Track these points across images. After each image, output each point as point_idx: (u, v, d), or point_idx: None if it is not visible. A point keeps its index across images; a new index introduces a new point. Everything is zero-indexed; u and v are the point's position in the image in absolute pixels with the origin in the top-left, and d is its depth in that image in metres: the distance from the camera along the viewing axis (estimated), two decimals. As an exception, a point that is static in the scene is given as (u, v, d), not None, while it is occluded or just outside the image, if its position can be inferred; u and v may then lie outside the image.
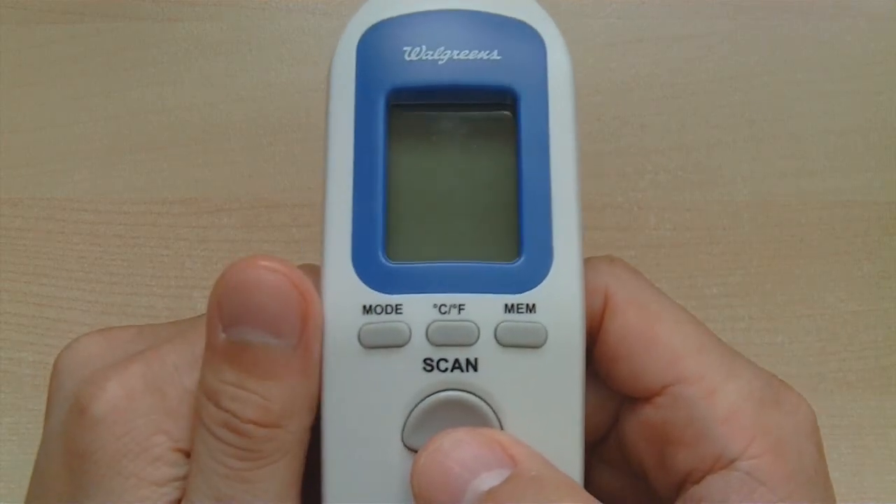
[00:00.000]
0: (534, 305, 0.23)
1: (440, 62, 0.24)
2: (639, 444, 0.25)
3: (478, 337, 0.23)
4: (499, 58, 0.24)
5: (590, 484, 0.25)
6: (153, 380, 0.24)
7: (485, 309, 0.23)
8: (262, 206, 0.42)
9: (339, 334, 0.23)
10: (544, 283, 0.23)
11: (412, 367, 0.23)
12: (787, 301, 0.41)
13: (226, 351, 0.22)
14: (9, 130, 0.43)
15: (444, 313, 0.23)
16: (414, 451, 0.23)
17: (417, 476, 0.22)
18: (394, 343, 0.23)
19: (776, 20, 0.43)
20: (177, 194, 0.42)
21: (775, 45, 0.43)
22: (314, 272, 0.24)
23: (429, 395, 0.23)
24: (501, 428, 0.23)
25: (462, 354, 0.23)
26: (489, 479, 0.22)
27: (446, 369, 0.23)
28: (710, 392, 0.24)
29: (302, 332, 0.22)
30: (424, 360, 0.23)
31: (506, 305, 0.23)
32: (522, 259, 0.24)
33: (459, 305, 0.23)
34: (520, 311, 0.23)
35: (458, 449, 0.22)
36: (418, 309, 0.23)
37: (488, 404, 0.23)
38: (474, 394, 0.23)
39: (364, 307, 0.23)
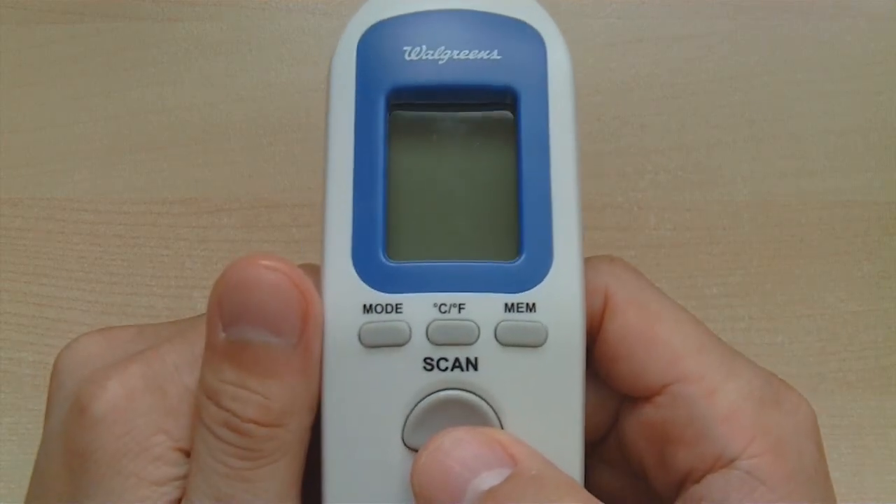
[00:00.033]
0: (534, 305, 0.23)
1: (440, 62, 0.24)
2: (639, 443, 0.25)
3: (478, 336, 0.23)
4: (499, 57, 0.24)
5: (590, 484, 0.25)
6: (153, 379, 0.24)
7: (485, 308, 0.23)
8: (262, 206, 0.41)
9: (340, 333, 0.23)
10: (544, 282, 0.23)
11: (412, 367, 0.23)
12: (787, 301, 0.41)
13: (226, 350, 0.22)
14: (9, 130, 0.43)
15: (445, 312, 0.23)
16: (414, 450, 0.23)
17: (418, 475, 0.22)
18: (394, 342, 0.23)
19: (776, 20, 0.43)
20: (177, 194, 0.42)
21: (775, 45, 0.43)
22: (314, 271, 0.24)
23: (429, 395, 0.23)
24: (501, 427, 0.23)
25: (462, 354, 0.23)
26: (489, 479, 0.22)
27: (446, 368, 0.23)
28: (711, 391, 0.24)
29: (302, 331, 0.22)
30: (425, 360, 0.23)
31: (506, 305, 0.23)
32: (522, 258, 0.24)
33: (459, 305, 0.23)
34: (520, 310, 0.23)
35: (458, 448, 0.22)
36: (418, 308, 0.23)
37: (488, 403, 0.23)
38: (474, 393, 0.23)
39: (364, 306, 0.23)
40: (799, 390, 0.25)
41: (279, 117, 0.42)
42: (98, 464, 0.23)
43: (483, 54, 0.24)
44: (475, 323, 0.23)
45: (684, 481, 0.24)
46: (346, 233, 0.24)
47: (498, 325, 0.23)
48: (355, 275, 0.23)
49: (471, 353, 0.23)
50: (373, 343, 0.23)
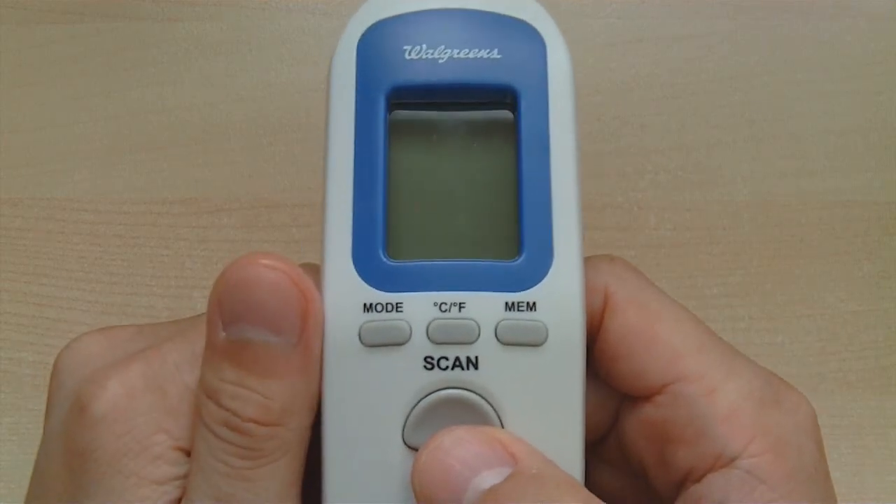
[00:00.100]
0: (534, 303, 0.23)
1: (440, 61, 0.24)
2: (639, 442, 0.25)
3: (478, 335, 0.23)
4: (499, 57, 0.24)
5: (590, 483, 0.25)
6: (154, 378, 0.24)
7: (485, 307, 0.23)
8: (262, 206, 0.42)
9: (340, 332, 0.23)
10: (545, 281, 0.23)
11: (413, 366, 0.23)
12: (787, 301, 0.41)
13: (226, 349, 0.22)
14: (9, 130, 0.43)
15: (445, 311, 0.23)
16: (415, 449, 0.23)
17: (418, 474, 0.22)
18: (394, 341, 0.23)
19: (776, 20, 0.43)
20: (177, 194, 0.42)
21: (775, 45, 0.43)
22: (314, 271, 0.24)
23: (429, 394, 0.23)
24: (502, 426, 0.23)
25: (462, 352, 0.23)
26: (490, 478, 0.22)
27: (447, 367, 0.23)
28: (711, 391, 0.24)
29: (302, 330, 0.22)
30: (425, 359, 0.23)
31: (506, 303, 0.23)
32: (523, 257, 0.24)
33: (460, 303, 0.23)
34: (520, 309, 0.23)
35: (458, 447, 0.22)
36: (419, 307, 0.23)
37: (489, 402, 0.23)
38: (475, 392, 0.23)
39: (364, 305, 0.23)
40: (799, 391, 0.25)
41: (279, 117, 0.42)
42: (98, 463, 0.23)
43: (483, 53, 0.24)
44: (475, 322, 0.23)
45: (684, 480, 0.24)
46: (347, 232, 0.24)
47: (498, 324, 0.23)
48: (355, 274, 0.23)
49: (471, 352, 0.23)
50: (373, 342, 0.23)
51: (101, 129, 0.42)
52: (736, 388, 0.24)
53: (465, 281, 0.23)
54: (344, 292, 0.23)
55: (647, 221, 0.41)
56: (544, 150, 0.24)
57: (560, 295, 0.24)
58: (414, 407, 0.23)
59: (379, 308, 0.23)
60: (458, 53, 0.24)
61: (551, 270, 0.24)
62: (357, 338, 0.23)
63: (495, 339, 0.23)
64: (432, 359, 0.23)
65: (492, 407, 0.23)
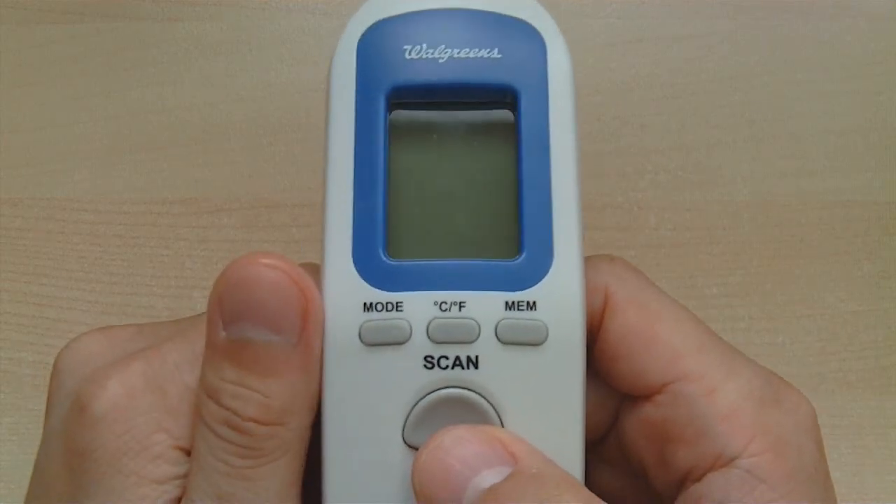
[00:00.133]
0: (534, 303, 0.23)
1: (440, 61, 0.24)
2: (639, 442, 0.25)
3: (478, 334, 0.23)
4: (499, 56, 0.25)
5: (590, 483, 0.25)
6: (154, 378, 0.24)
7: (485, 306, 0.23)
8: (262, 206, 0.42)
9: (340, 331, 0.23)
10: (545, 280, 0.23)
11: (413, 365, 0.23)
12: (787, 301, 0.41)
13: (226, 348, 0.22)
14: (9, 130, 0.43)
15: (445, 311, 0.23)
16: (415, 448, 0.23)
17: (418, 473, 0.22)
18: (394, 340, 0.23)
19: (776, 20, 0.43)
20: (177, 194, 0.42)
21: (775, 45, 0.43)
22: (315, 270, 0.24)
23: (429, 393, 0.23)
24: (502, 425, 0.23)
25: (463, 352, 0.23)
26: (490, 477, 0.22)
27: (447, 367, 0.23)
28: (711, 390, 0.24)
29: (302, 329, 0.22)
30: (425, 358, 0.23)
31: (506, 303, 0.23)
32: (523, 256, 0.24)
33: (460, 303, 0.23)
34: (520, 308, 0.23)
35: (458, 446, 0.22)
36: (419, 306, 0.23)
37: (489, 402, 0.23)
38: (475, 391, 0.23)
39: (365, 304, 0.23)
40: (799, 390, 0.25)
41: (279, 117, 0.42)
42: (98, 462, 0.23)
43: (483, 53, 0.24)
44: (476, 321, 0.23)
45: (684, 480, 0.24)
46: (347, 231, 0.24)
47: (498, 323, 0.23)
48: (356, 273, 0.23)
49: (471, 351, 0.23)
50: (373, 341, 0.23)
51: (101, 129, 0.42)
52: (736, 388, 0.24)
53: (466, 280, 0.23)
54: (344, 292, 0.23)
55: (647, 221, 0.41)
56: (544, 149, 0.24)
57: (560, 294, 0.24)
58: (414, 406, 0.23)
59: (379, 307, 0.23)
60: (459, 53, 0.24)
61: (551, 270, 0.24)
62: (357, 337, 0.23)
63: (495, 339, 0.23)
64: (432, 358, 0.23)
65: (492, 406, 0.23)
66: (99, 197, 0.42)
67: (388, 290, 0.23)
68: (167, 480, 0.23)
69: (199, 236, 0.41)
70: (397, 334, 0.23)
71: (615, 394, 0.26)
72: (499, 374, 0.23)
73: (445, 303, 0.23)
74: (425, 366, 0.23)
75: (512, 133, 0.24)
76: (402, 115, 0.25)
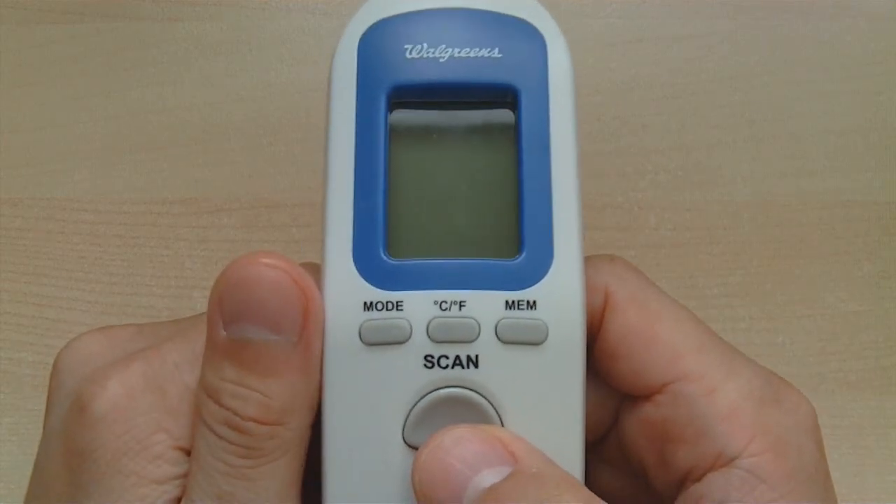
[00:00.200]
0: (534, 302, 0.23)
1: (441, 60, 0.24)
2: (639, 442, 0.25)
3: (478, 333, 0.23)
4: (500, 56, 0.25)
5: (590, 483, 0.25)
6: (154, 378, 0.24)
7: (485, 305, 0.23)
8: (262, 206, 0.41)
9: (340, 331, 0.23)
10: (545, 279, 0.23)
11: (413, 364, 0.23)
12: (787, 301, 0.41)
13: (226, 348, 0.22)
14: (9, 130, 0.43)
15: (445, 310, 0.23)
16: (415, 448, 0.23)
17: (418, 473, 0.22)
18: (395, 340, 0.23)
19: (776, 20, 0.43)
20: (177, 194, 0.42)
21: (775, 45, 0.43)
22: (315, 270, 0.24)
23: (430, 392, 0.23)
24: (502, 425, 0.23)
25: (463, 351, 0.23)
26: (490, 476, 0.22)
27: (447, 366, 0.23)
28: (711, 390, 0.24)
29: (303, 329, 0.22)
30: (425, 357, 0.23)
31: (506, 302, 0.23)
32: (523, 256, 0.24)
33: (460, 302, 0.23)
34: (520, 307, 0.23)
35: (459, 446, 0.22)
36: (419, 305, 0.23)
37: (489, 401, 0.23)
38: (475, 391, 0.23)
39: (365, 304, 0.23)
40: (799, 390, 0.25)
41: (279, 117, 0.42)
42: (98, 462, 0.23)
43: (484, 52, 0.24)
44: (476, 320, 0.23)
45: (684, 480, 0.24)
46: (347, 230, 0.24)
47: (498, 322, 0.23)
48: (356, 272, 0.23)
49: (471, 350, 0.23)
50: (373, 341, 0.23)
51: (101, 129, 0.42)
52: (736, 388, 0.24)
53: (466, 279, 0.23)
54: (344, 291, 0.23)
55: (647, 221, 0.41)
56: (544, 149, 0.24)
57: (560, 294, 0.24)
58: (414, 406, 0.23)
59: (379, 307, 0.23)
60: (459, 52, 0.24)
61: (551, 269, 0.24)
62: (357, 336, 0.23)
63: (495, 338, 0.23)
64: (432, 357, 0.23)
65: (492, 406, 0.23)
66: (99, 197, 0.42)
67: (389, 290, 0.23)
68: (167, 480, 0.23)
69: (199, 236, 0.41)
70: (397, 334, 0.23)
71: (615, 394, 0.26)
72: (499, 373, 0.23)
73: (445, 302, 0.23)
74: (425, 365, 0.23)
75: (512, 133, 0.24)
76: (402, 114, 0.25)
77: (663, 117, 0.42)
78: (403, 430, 0.23)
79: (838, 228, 0.41)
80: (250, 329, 0.22)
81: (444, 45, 0.24)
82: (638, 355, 0.25)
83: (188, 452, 0.23)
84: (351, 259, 0.23)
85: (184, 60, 0.43)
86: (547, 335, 0.23)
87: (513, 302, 0.23)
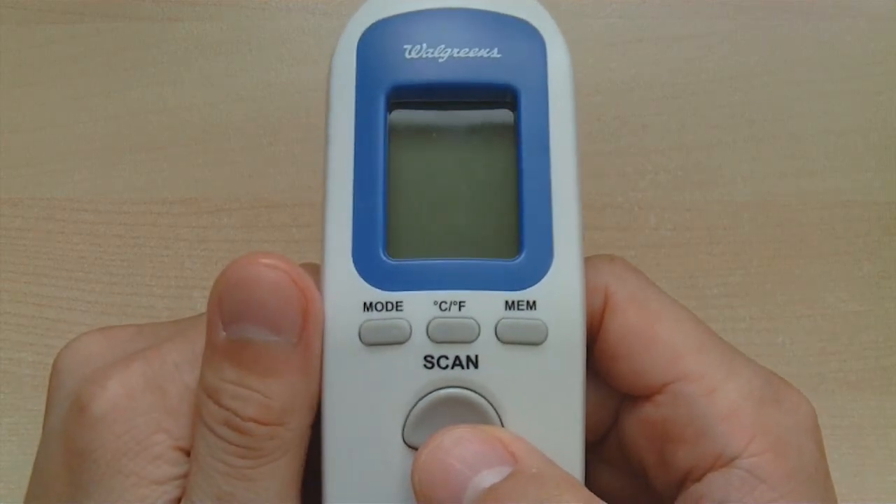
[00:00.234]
0: (534, 302, 0.23)
1: (440, 60, 0.24)
2: (639, 442, 0.25)
3: (478, 334, 0.23)
4: (499, 56, 0.24)
5: (590, 483, 0.25)
6: (154, 378, 0.24)
7: (485, 306, 0.23)
8: (262, 206, 0.41)
9: (340, 331, 0.23)
10: (545, 279, 0.23)
11: (413, 365, 0.23)
12: (787, 301, 0.41)
13: (226, 349, 0.22)
14: (9, 130, 0.43)
15: (445, 310, 0.23)
16: (415, 448, 0.23)
17: (418, 473, 0.22)
18: (394, 340, 0.23)
19: (776, 20, 0.43)
20: (177, 194, 0.42)
21: (775, 45, 0.43)
22: (315, 271, 0.24)
23: (429, 393, 0.23)
24: (502, 425, 0.23)
25: (463, 351, 0.23)
26: (490, 476, 0.22)
27: (447, 366, 0.23)
28: (711, 390, 0.24)
29: (302, 329, 0.22)
30: (425, 357, 0.23)
31: (506, 302, 0.23)
32: (523, 256, 0.24)
33: (460, 302, 0.23)
34: (520, 307, 0.23)
35: (458, 446, 0.22)
36: (419, 306, 0.23)
37: (489, 401, 0.23)
38: (475, 391, 0.23)
39: (365, 304, 0.23)
40: (799, 390, 0.25)
41: (279, 117, 0.42)
42: (98, 463, 0.23)
43: (483, 53, 0.24)
44: (475, 320, 0.23)
45: (684, 480, 0.24)
46: (347, 231, 0.24)
47: (498, 322, 0.23)
48: (356, 273, 0.23)
49: (471, 350, 0.23)
50: (373, 341, 0.23)
51: (101, 129, 0.42)
52: (736, 388, 0.24)
53: (465, 280, 0.23)
54: (344, 291, 0.23)
55: (647, 221, 0.41)
56: (544, 149, 0.24)
57: (560, 294, 0.24)
58: (414, 406, 0.23)
59: (379, 307, 0.23)
60: (458, 53, 0.24)
61: (551, 269, 0.24)
62: (357, 337, 0.23)
63: (495, 338, 0.23)
64: (432, 358, 0.23)
65: (492, 406, 0.23)
66: (99, 197, 0.42)
67: (388, 290, 0.23)
68: (167, 481, 0.23)
69: (199, 236, 0.41)
70: (397, 334, 0.23)
71: (615, 394, 0.26)
72: (499, 373, 0.23)
73: (445, 302, 0.23)
74: (425, 365, 0.23)
75: (512, 133, 0.24)
76: (402, 114, 0.25)
77: (663, 117, 0.42)
78: (403, 430, 0.23)
79: (838, 228, 0.41)
80: (250, 329, 0.22)
81: (443, 45, 0.24)
82: (638, 355, 0.25)
83: (188, 453, 0.23)
84: (350, 259, 0.23)
85: (184, 60, 0.43)
86: (547, 335, 0.23)
87: (512, 302, 0.23)
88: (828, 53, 0.43)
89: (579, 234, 0.24)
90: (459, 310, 0.23)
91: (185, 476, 0.23)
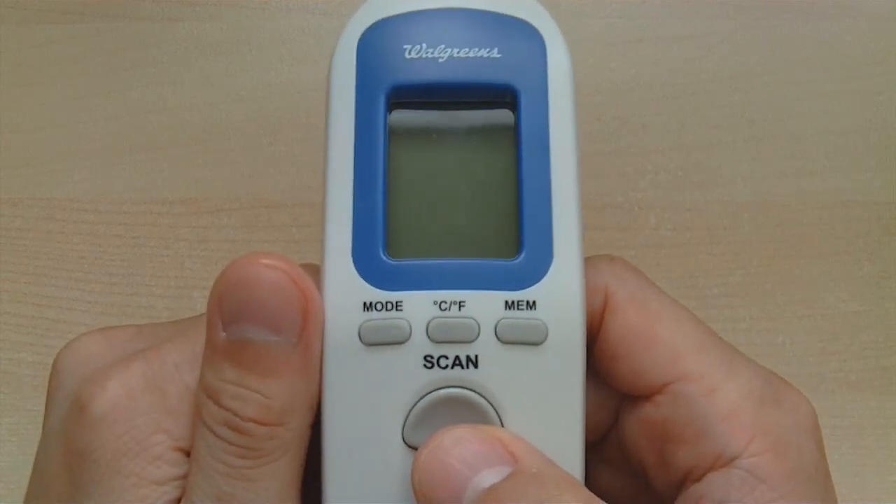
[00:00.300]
0: (534, 302, 0.23)
1: (440, 60, 0.24)
2: (639, 442, 0.25)
3: (478, 334, 0.23)
4: (499, 56, 0.24)
5: (590, 483, 0.25)
6: (153, 378, 0.24)
7: (485, 305, 0.23)
8: (262, 206, 0.41)
9: (340, 331, 0.23)
10: (545, 279, 0.23)
11: (413, 365, 0.23)
12: (787, 301, 0.41)
13: (226, 349, 0.22)
14: (9, 130, 0.43)
15: (445, 310, 0.23)
16: (414, 448, 0.23)
17: (418, 473, 0.22)
18: (394, 340, 0.23)
19: (776, 20, 0.43)
20: (177, 194, 0.42)
21: (775, 45, 0.43)
22: (315, 271, 0.24)
23: (429, 393, 0.23)
24: (502, 425, 0.23)
25: (462, 351, 0.23)
26: (490, 476, 0.22)
27: (447, 366, 0.23)
28: (711, 390, 0.24)
29: (302, 329, 0.22)
30: (425, 357, 0.23)
31: (506, 302, 0.23)
32: (523, 256, 0.24)
33: (460, 302, 0.23)
34: (520, 307, 0.23)
35: (458, 446, 0.22)
36: (419, 306, 0.23)
37: (489, 401, 0.23)
38: (475, 391, 0.23)
39: (364, 304, 0.23)
40: (799, 390, 0.25)
41: (279, 117, 0.42)
42: (98, 463, 0.23)
43: (483, 52, 0.24)
44: (475, 320, 0.23)
45: (684, 480, 0.24)
46: (347, 231, 0.24)
47: (498, 322, 0.23)
48: (355, 273, 0.23)
49: (471, 350, 0.23)
50: (373, 341, 0.23)
51: (101, 129, 0.42)
52: (736, 388, 0.24)
53: (465, 279, 0.23)
54: (344, 291, 0.23)
55: (647, 221, 0.41)
56: (544, 149, 0.24)
57: (560, 294, 0.24)
58: (414, 406, 0.23)
59: (379, 307, 0.23)
60: (458, 53, 0.24)
61: (551, 269, 0.24)
62: (357, 337, 0.23)
63: (495, 338, 0.23)
64: (432, 357, 0.23)
65: (492, 406, 0.23)
66: (99, 197, 0.42)
67: (388, 290, 0.23)
68: (167, 481, 0.23)
69: (199, 236, 0.41)
70: (397, 334, 0.23)
71: (615, 394, 0.26)
72: (498, 373, 0.23)
73: (445, 302, 0.23)
74: (425, 365, 0.23)
75: (512, 133, 0.24)
76: (401, 114, 0.25)
77: (663, 117, 0.42)
78: (403, 430, 0.23)
79: (838, 228, 0.41)
80: (250, 329, 0.22)
81: (443, 46, 0.24)
82: (638, 355, 0.25)
83: (188, 453, 0.23)
84: (350, 259, 0.23)
85: (184, 60, 0.43)
86: (547, 335, 0.23)
87: (512, 302, 0.23)
88: (828, 53, 0.43)
89: (579, 235, 0.24)
90: (459, 310, 0.23)
91: (185, 476, 0.23)
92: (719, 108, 0.42)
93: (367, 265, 0.23)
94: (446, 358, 0.23)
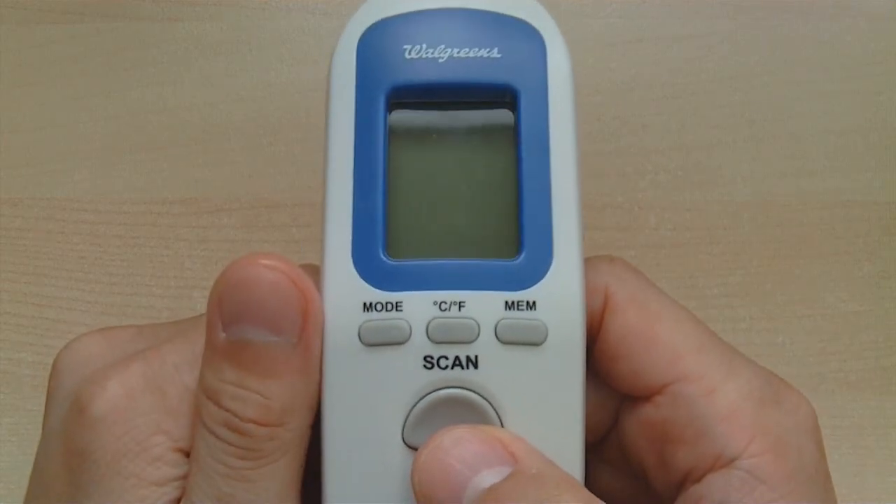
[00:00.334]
0: (534, 302, 0.23)
1: (440, 60, 0.24)
2: (639, 442, 0.25)
3: (478, 334, 0.23)
4: (499, 56, 0.24)
5: (590, 484, 0.25)
6: (153, 379, 0.24)
7: (485, 306, 0.23)
8: (262, 206, 0.41)
9: (340, 332, 0.23)
10: (545, 280, 0.23)
11: (412, 365, 0.23)
12: (787, 301, 0.41)
13: (226, 350, 0.22)
14: (9, 130, 0.43)
15: (445, 310, 0.23)
16: (414, 448, 0.23)
17: (418, 473, 0.22)
18: (394, 340, 0.23)
19: (776, 20, 0.43)
20: (177, 194, 0.42)
21: (775, 45, 0.43)
22: (314, 272, 0.24)
23: (429, 393, 0.23)
24: (502, 425, 0.23)
25: (462, 352, 0.23)
26: (490, 477, 0.22)
27: (447, 367, 0.23)
28: (711, 391, 0.24)
29: (302, 330, 0.22)
30: (425, 358, 0.23)
31: (506, 302, 0.23)
32: (523, 256, 0.24)
33: (460, 303, 0.23)
34: (520, 308, 0.23)
35: (458, 446, 0.22)
36: (418, 306, 0.23)
37: (489, 402, 0.23)
38: (475, 391, 0.23)
39: (364, 304, 0.23)
40: (799, 390, 0.25)
41: (279, 117, 0.42)
42: (97, 464, 0.23)
43: (483, 53, 0.24)
44: (475, 321, 0.23)
45: (684, 481, 0.24)
46: (346, 231, 0.24)
47: (498, 322, 0.23)
48: (355, 273, 0.23)
49: (471, 351, 0.23)
50: (373, 341, 0.23)
51: (101, 129, 0.42)
52: (736, 388, 0.24)
53: (465, 280, 0.23)
54: (344, 292, 0.23)
55: (647, 221, 0.41)
56: (544, 149, 0.24)
57: (560, 294, 0.24)
58: (414, 406, 0.23)
59: (379, 307, 0.23)
60: (458, 53, 0.24)
61: (551, 270, 0.24)
62: (357, 337, 0.23)
63: (495, 339, 0.23)
64: (432, 358, 0.23)
65: (491, 406, 0.23)
66: (99, 197, 0.42)
67: (388, 290, 0.23)
68: (166, 482, 0.23)
69: (199, 236, 0.41)
70: (397, 334, 0.23)
71: (615, 394, 0.26)
72: (498, 374, 0.23)
73: (445, 303, 0.23)
74: (425, 366, 0.23)
75: (512, 133, 0.24)
76: (401, 114, 0.25)
77: (663, 117, 0.42)
78: (403, 430, 0.23)
79: (838, 228, 0.41)
80: (250, 330, 0.22)
81: (443, 46, 0.24)
82: (638, 356, 0.25)
83: (188, 454, 0.23)
84: (350, 260, 0.23)
85: (184, 60, 0.43)
86: (546, 336, 0.23)
87: (512, 302, 0.23)
88: (828, 53, 0.43)
89: (579, 235, 0.24)
90: (459, 310, 0.23)
91: (185, 477, 0.23)
92: (719, 108, 0.42)
93: (367, 265, 0.23)
94: (446, 358, 0.23)
